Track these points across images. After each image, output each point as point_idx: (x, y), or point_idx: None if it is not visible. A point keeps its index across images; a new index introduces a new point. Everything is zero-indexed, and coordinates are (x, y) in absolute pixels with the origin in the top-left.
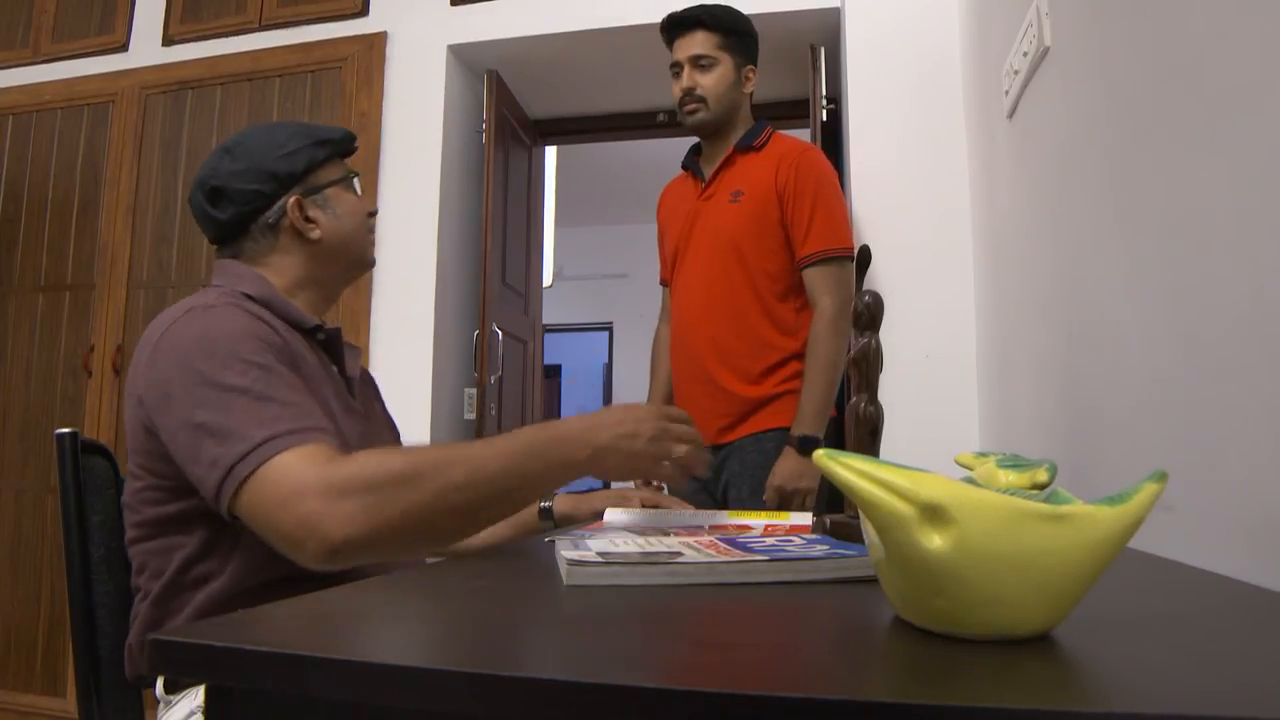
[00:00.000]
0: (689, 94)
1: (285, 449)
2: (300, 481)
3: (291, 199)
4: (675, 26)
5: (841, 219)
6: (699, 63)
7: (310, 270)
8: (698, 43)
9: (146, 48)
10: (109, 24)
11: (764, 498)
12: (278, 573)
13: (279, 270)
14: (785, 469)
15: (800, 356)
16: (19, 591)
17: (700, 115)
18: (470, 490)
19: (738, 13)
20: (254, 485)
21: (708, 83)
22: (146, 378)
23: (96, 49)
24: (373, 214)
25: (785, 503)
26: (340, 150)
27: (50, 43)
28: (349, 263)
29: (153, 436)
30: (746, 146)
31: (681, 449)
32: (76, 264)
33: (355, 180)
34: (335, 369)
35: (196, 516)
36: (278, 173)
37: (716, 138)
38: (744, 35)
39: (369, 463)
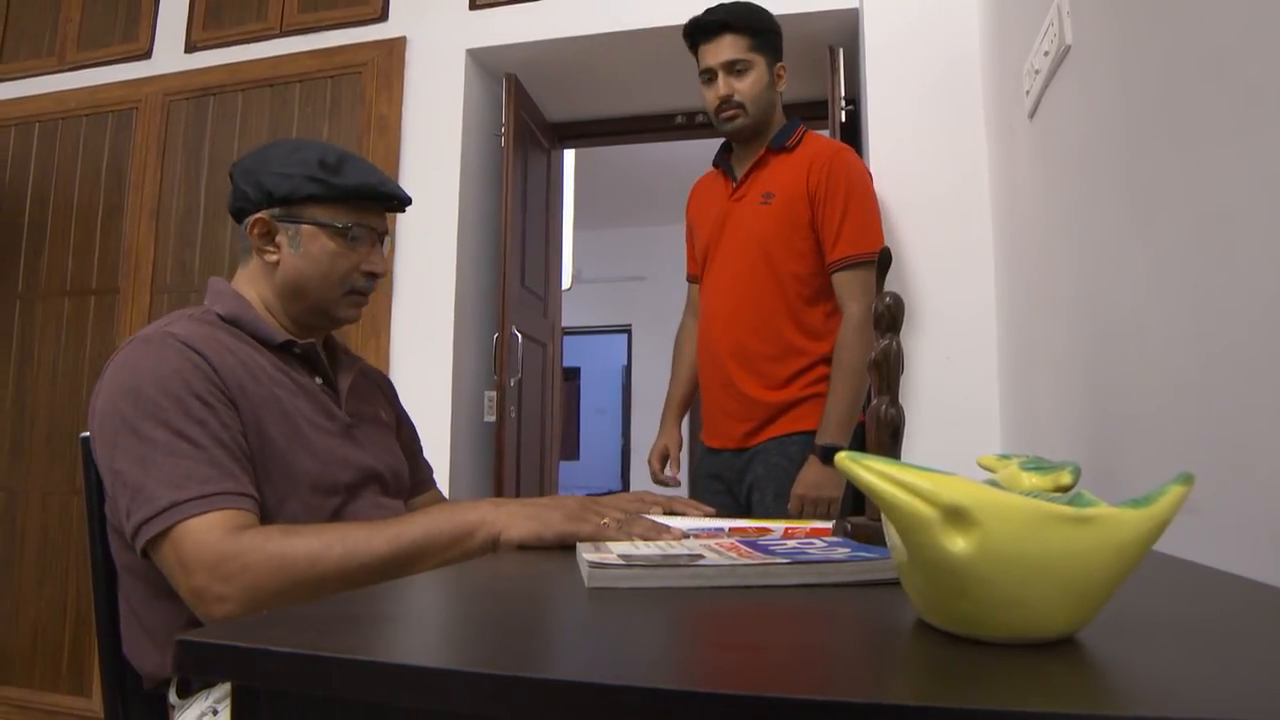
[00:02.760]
0: (727, 101)
1: (190, 516)
2: (195, 554)
3: (258, 215)
4: (700, 31)
5: (873, 223)
6: (734, 68)
7: (274, 295)
8: (728, 47)
9: (169, 55)
10: (133, 32)
11: (788, 505)
12: None
13: (254, 280)
14: (808, 478)
15: (829, 361)
16: (46, 592)
17: (740, 121)
18: (352, 570)
19: (761, 10)
20: (161, 545)
21: (744, 87)
22: (92, 406)
23: (120, 56)
24: (371, 274)
25: (809, 511)
26: (346, 196)
27: (75, 51)
28: (308, 308)
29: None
30: (779, 146)
31: (609, 518)
32: (101, 269)
33: (352, 233)
34: (319, 380)
35: None
36: (263, 186)
37: (749, 137)
38: (771, 34)
39: (258, 543)
